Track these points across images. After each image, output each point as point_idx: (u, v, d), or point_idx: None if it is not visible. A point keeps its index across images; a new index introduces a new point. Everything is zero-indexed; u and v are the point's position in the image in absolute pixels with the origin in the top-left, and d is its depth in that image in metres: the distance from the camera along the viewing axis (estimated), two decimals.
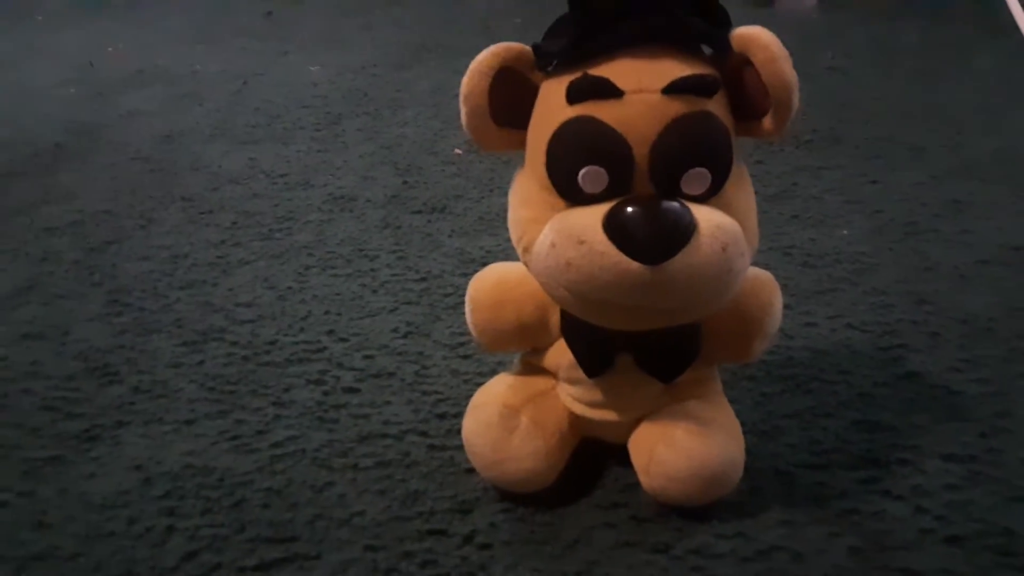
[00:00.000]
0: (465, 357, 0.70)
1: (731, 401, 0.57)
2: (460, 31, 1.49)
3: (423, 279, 0.81)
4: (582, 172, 0.47)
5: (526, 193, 0.51)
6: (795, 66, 0.48)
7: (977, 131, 1.07)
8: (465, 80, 0.49)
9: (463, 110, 0.50)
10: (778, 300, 0.54)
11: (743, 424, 0.55)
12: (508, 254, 0.54)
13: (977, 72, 1.25)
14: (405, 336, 0.73)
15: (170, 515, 0.56)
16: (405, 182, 1.01)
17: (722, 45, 0.48)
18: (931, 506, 0.54)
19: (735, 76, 0.49)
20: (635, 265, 0.46)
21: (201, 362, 0.71)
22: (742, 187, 0.51)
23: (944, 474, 0.57)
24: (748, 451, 0.54)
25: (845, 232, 0.86)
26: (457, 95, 0.50)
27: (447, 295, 0.78)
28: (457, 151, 1.05)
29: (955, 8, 1.52)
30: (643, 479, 0.54)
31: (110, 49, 1.15)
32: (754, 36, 0.48)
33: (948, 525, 0.53)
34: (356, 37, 1.56)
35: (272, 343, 0.73)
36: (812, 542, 0.52)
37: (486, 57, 0.49)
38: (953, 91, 1.20)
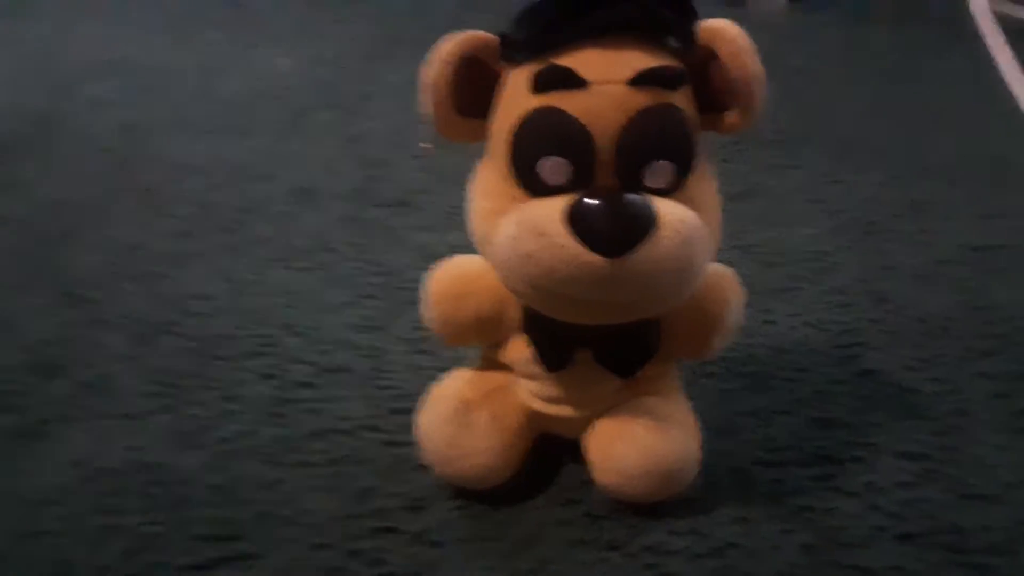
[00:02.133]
0: (424, 352, 0.69)
1: (689, 398, 0.56)
2: (432, 24, 1.46)
3: (384, 273, 0.80)
4: (544, 163, 0.47)
5: (487, 184, 0.50)
6: (763, 66, 0.47)
7: (940, 133, 1.09)
8: (428, 68, 0.48)
9: (426, 98, 0.49)
10: (738, 297, 0.54)
11: (700, 421, 0.55)
12: (472, 249, 0.53)
13: (942, 75, 1.26)
14: (363, 331, 0.72)
15: (109, 512, 0.54)
16: (370, 176, 0.99)
17: (688, 38, 0.47)
18: (884, 503, 0.54)
19: (701, 69, 0.48)
20: (596, 258, 0.45)
21: (150, 356, 0.69)
22: (706, 182, 0.50)
23: (898, 472, 0.57)
24: (704, 448, 0.54)
25: (807, 231, 0.86)
26: None
27: (408, 290, 0.76)
28: (424, 145, 1.04)
29: (923, 13, 1.54)
30: (597, 475, 0.54)
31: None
32: (720, 29, 0.47)
33: (901, 522, 0.53)
34: (327, 30, 1.54)
35: (225, 337, 0.71)
36: (766, 539, 0.52)
37: (450, 46, 0.48)
38: (918, 94, 1.21)
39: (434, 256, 0.57)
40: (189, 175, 1.00)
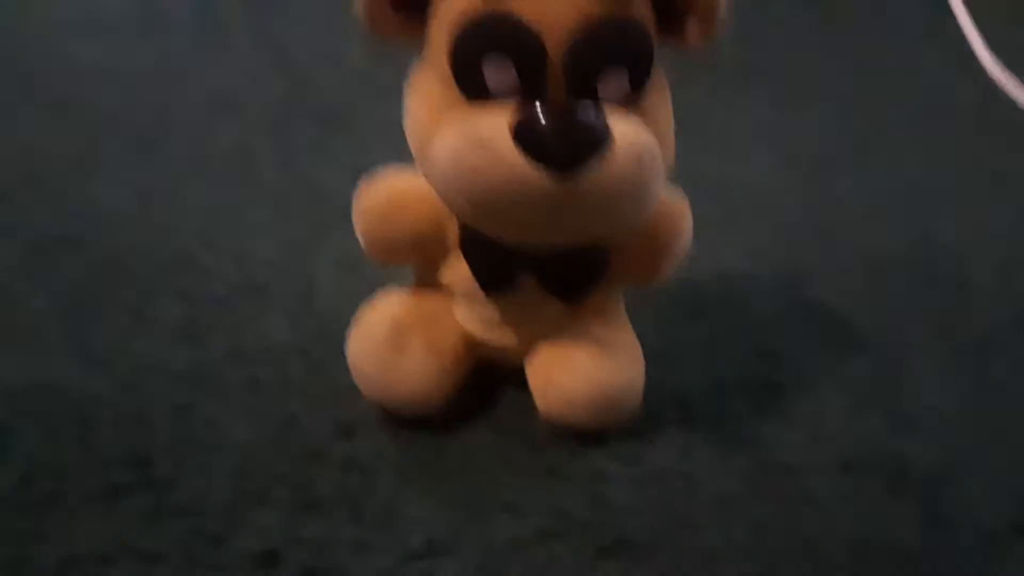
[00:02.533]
0: (353, 272, 0.64)
1: (632, 325, 0.54)
2: None
3: (311, 190, 0.75)
4: (488, 65, 0.42)
5: (425, 90, 0.46)
6: None
7: (888, 73, 1.09)
8: None
9: None
10: (688, 224, 0.52)
11: (643, 349, 0.53)
12: (405, 167, 0.49)
13: (893, 17, 1.26)
14: (287, 249, 0.67)
15: (4, 434, 0.49)
16: (296, 86, 0.93)
17: None
18: (826, 433, 0.54)
19: None
20: (543, 174, 0.41)
21: (51, 270, 0.62)
22: (662, 99, 0.47)
23: (839, 400, 0.57)
24: (647, 376, 0.52)
25: (755, 165, 0.85)
26: None
27: (337, 208, 0.71)
28: (359, 55, 0.98)
29: None
30: (540, 403, 0.51)
31: None
32: None
33: (840, 451, 0.53)
34: None
35: (134, 251, 0.65)
36: (706, 466, 0.51)
37: None
38: (868, 34, 1.21)
39: (366, 173, 0.53)
40: (95, 79, 0.91)
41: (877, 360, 0.61)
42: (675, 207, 0.51)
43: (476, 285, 0.50)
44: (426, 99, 0.46)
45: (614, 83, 0.43)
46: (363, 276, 0.64)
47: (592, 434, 0.51)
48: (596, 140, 0.42)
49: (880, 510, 0.49)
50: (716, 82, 1.00)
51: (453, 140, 0.43)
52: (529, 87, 0.43)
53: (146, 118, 0.84)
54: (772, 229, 0.75)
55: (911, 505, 0.50)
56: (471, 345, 0.53)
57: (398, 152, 0.49)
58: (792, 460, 0.52)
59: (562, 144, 0.41)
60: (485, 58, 0.42)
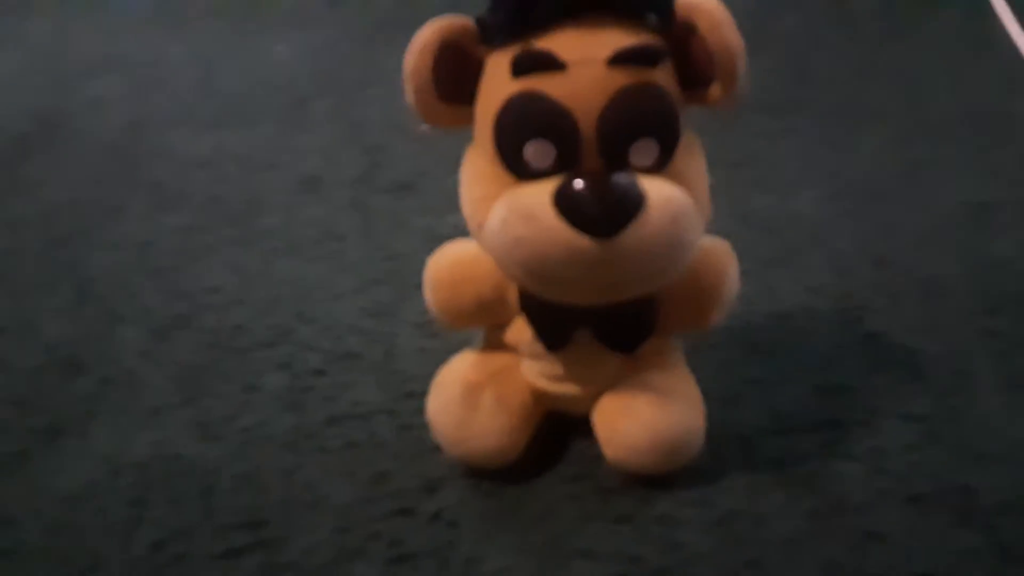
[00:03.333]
0: (433, 336, 0.70)
1: (692, 369, 0.57)
2: (427, 7, 1.46)
3: (391, 258, 0.81)
4: (528, 147, 0.47)
5: (477, 170, 0.51)
6: (753, 30, 0.48)
7: (936, 92, 1.07)
8: (408, 57, 0.49)
9: (408, 87, 0.50)
10: (734, 268, 0.55)
11: (704, 391, 0.56)
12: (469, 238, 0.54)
13: (937, 33, 1.24)
14: (373, 316, 0.73)
15: (137, 505, 0.56)
16: (372, 161, 1.00)
17: (667, 13, 0.48)
18: (890, 467, 0.55)
19: (680, 44, 0.48)
20: (585, 240, 0.46)
21: (168, 350, 0.70)
22: (692, 157, 0.51)
23: (903, 434, 0.58)
24: (709, 418, 0.55)
25: (805, 197, 0.86)
26: None
27: (415, 274, 0.77)
28: (424, 128, 1.05)
29: None
30: (606, 450, 0.55)
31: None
32: (698, 3, 0.47)
33: (907, 485, 0.54)
34: (322, 15, 1.53)
35: (239, 328, 0.72)
36: (773, 506, 0.53)
37: (428, 33, 0.49)
38: (913, 52, 1.20)
39: (439, 239, 0.58)
40: (194, 169, 1.01)
41: (940, 390, 0.61)
42: (718, 252, 0.55)
43: (538, 343, 0.55)
44: (477, 178, 0.52)
45: (645, 151, 0.48)
46: (441, 338, 0.69)
47: (659, 479, 0.54)
48: (631, 204, 0.46)
49: (948, 543, 0.50)
50: (759, 116, 1.02)
51: (503, 214, 0.48)
52: (566, 160, 0.48)
53: (241, 202, 0.93)
54: (827, 262, 0.76)
55: (979, 537, 0.50)
56: (539, 399, 0.57)
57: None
58: (858, 497, 0.54)
59: (600, 211, 0.46)
60: (525, 142, 0.48)
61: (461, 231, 0.57)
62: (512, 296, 0.55)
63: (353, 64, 1.29)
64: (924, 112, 1.03)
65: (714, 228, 0.53)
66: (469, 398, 0.55)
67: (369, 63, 1.28)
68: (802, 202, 0.86)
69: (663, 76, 0.48)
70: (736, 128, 0.99)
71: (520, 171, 0.48)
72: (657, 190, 0.47)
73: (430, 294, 0.57)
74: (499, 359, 0.57)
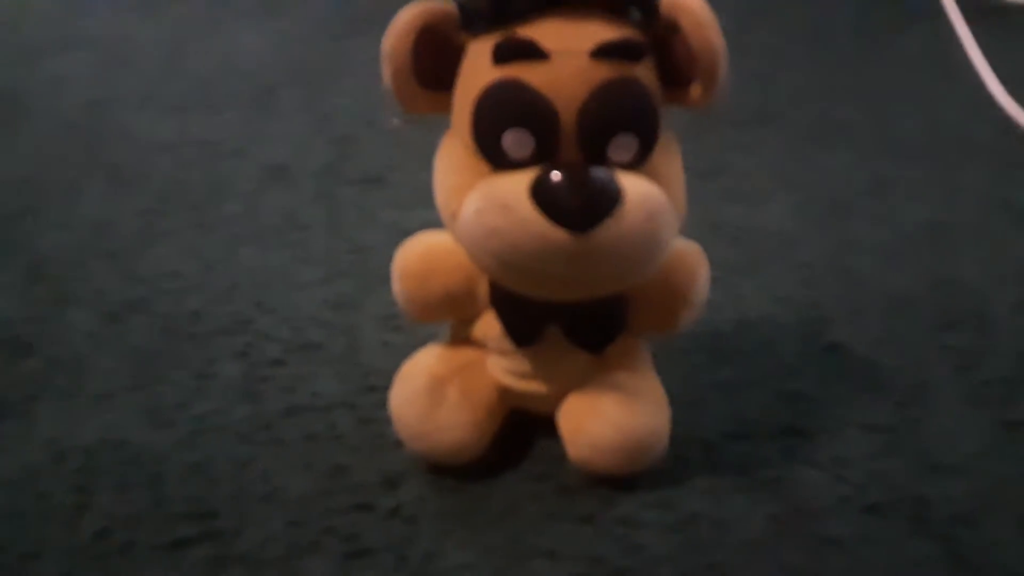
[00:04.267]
0: (396, 330, 0.69)
1: (657, 372, 0.57)
2: (401, 1, 1.46)
3: (356, 251, 0.80)
4: (507, 136, 0.47)
5: (452, 158, 0.50)
6: (728, 44, 0.48)
7: (903, 112, 1.10)
8: (387, 39, 0.48)
9: (386, 70, 0.49)
10: (704, 271, 0.55)
11: (669, 395, 0.56)
12: (441, 228, 0.53)
13: (905, 55, 1.28)
14: (335, 308, 0.72)
15: (82, 492, 0.54)
16: (341, 153, 0.99)
17: (651, 10, 0.48)
18: (850, 475, 0.56)
19: (663, 42, 0.48)
20: (561, 233, 0.45)
21: (121, 334, 0.68)
22: (670, 156, 0.51)
23: (863, 444, 0.58)
24: (673, 422, 0.55)
25: (773, 209, 0.87)
26: None
27: (380, 268, 0.76)
28: (394, 122, 1.04)
29: None
30: (570, 450, 0.54)
31: None
32: (682, 1, 0.47)
33: (866, 494, 0.54)
34: (295, 4, 1.51)
35: (196, 315, 0.70)
36: (734, 510, 0.53)
37: (409, 15, 0.48)
38: (881, 73, 1.23)
39: (406, 233, 0.57)
40: (157, 152, 0.98)
41: (900, 402, 0.62)
42: (689, 256, 0.54)
43: (507, 338, 0.54)
44: (453, 167, 0.51)
45: (624, 147, 0.47)
46: (404, 331, 0.68)
47: (622, 480, 0.54)
48: (609, 199, 0.46)
49: (904, 551, 0.51)
50: (731, 129, 1.03)
51: (478, 204, 0.47)
52: (545, 151, 0.47)
53: (204, 188, 0.91)
54: (793, 273, 0.77)
55: (936, 547, 0.51)
56: (504, 395, 0.56)
57: (434, 211, 0.53)
58: (818, 503, 0.54)
59: (577, 204, 0.45)
60: (503, 131, 0.47)
61: (428, 226, 0.56)
62: (482, 290, 0.54)
63: (325, 55, 1.28)
64: (890, 131, 1.05)
65: (683, 236, 0.53)
66: (434, 392, 0.54)
67: (341, 55, 1.27)
68: (770, 214, 0.87)
69: (645, 72, 0.48)
70: (706, 139, 1.00)
71: (497, 160, 0.48)
72: (634, 186, 0.46)
73: (398, 284, 0.55)
74: (465, 354, 0.56)
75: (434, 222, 0.55)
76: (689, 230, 0.53)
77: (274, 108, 1.11)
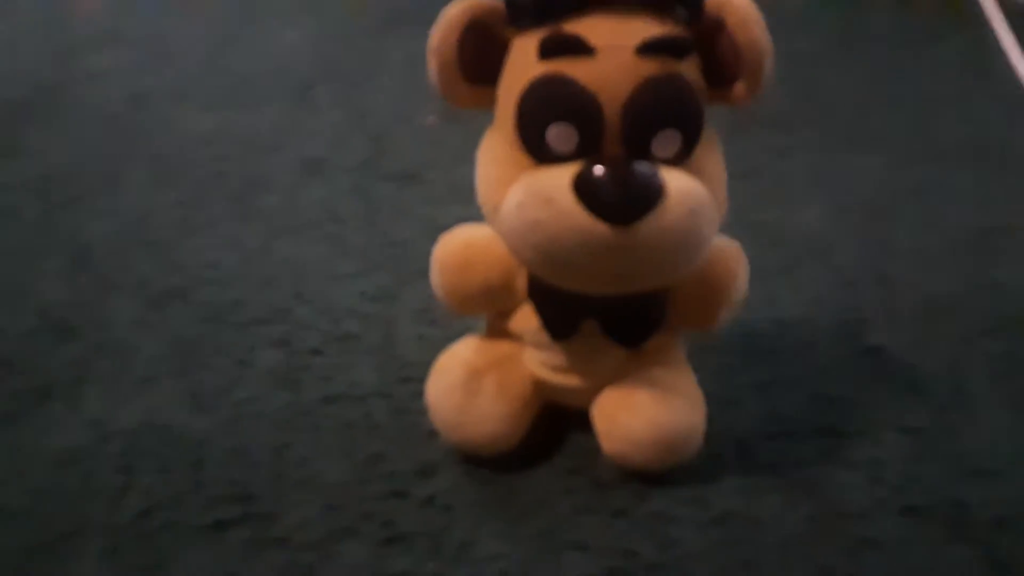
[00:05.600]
0: (432, 323, 0.69)
1: (693, 370, 0.57)
2: None
3: (392, 245, 0.80)
4: (551, 130, 0.47)
5: (495, 152, 0.51)
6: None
7: (942, 117, 1.09)
8: (434, 33, 0.49)
9: (432, 64, 0.50)
10: (744, 270, 0.55)
11: (704, 393, 0.56)
12: (480, 220, 0.54)
13: (943, 60, 1.26)
14: (372, 301, 0.73)
15: (125, 472, 0.55)
16: (377, 149, 1.00)
17: (696, 7, 0.48)
18: (887, 477, 0.55)
19: (708, 39, 0.48)
20: (603, 226, 0.46)
21: (162, 321, 0.69)
22: (712, 153, 0.51)
23: (900, 446, 0.58)
24: (708, 419, 0.55)
25: (809, 212, 0.87)
26: None
27: (416, 261, 0.77)
28: (431, 119, 1.04)
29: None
30: (604, 444, 0.55)
31: None
32: None
33: (903, 496, 0.54)
34: (332, 3, 1.53)
35: (236, 304, 0.72)
36: (769, 509, 0.53)
37: (456, 11, 0.48)
38: (920, 78, 1.21)
39: (441, 228, 0.58)
40: (197, 145, 1.00)
41: (938, 406, 0.62)
42: (729, 253, 0.54)
43: (544, 332, 0.54)
44: (496, 160, 0.51)
45: (667, 142, 0.48)
46: (440, 325, 0.69)
47: (655, 476, 0.54)
48: (651, 194, 0.46)
49: (942, 555, 0.50)
50: (769, 131, 1.02)
51: (521, 197, 0.48)
52: (588, 146, 0.47)
53: (243, 181, 0.92)
54: (830, 275, 0.77)
55: (973, 550, 0.51)
56: (540, 388, 0.56)
57: (468, 207, 0.54)
58: (854, 504, 0.53)
59: (619, 198, 0.46)
60: (548, 125, 0.47)
61: (463, 221, 0.57)
62: (520, 283, 0.54)
63: (362, 53, 1.29)
64: (928, 137, 1.04)
65: (721, 234, 0.53)
66: (470, 383, 0.55)
67: (378, 53, 1.28)
68: (807, 217, 0.86)
69: (690, 69, 0.48)
70: (744, 141, 1.00)
71: (540, 154, 0.48)
72: (677, 182, 0.47)
73: (437, 276, 0.56)
74: (502, 346, 0.57)
75: (468, 218, 0.56)
76: (726, 231, 0.53)
77: (312, 104, 1.12)
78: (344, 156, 0.98)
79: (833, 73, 1.23)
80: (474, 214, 0.54)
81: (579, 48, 0.46)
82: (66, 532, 0.51)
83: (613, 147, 0.47)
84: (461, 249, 0.56)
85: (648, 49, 0.46)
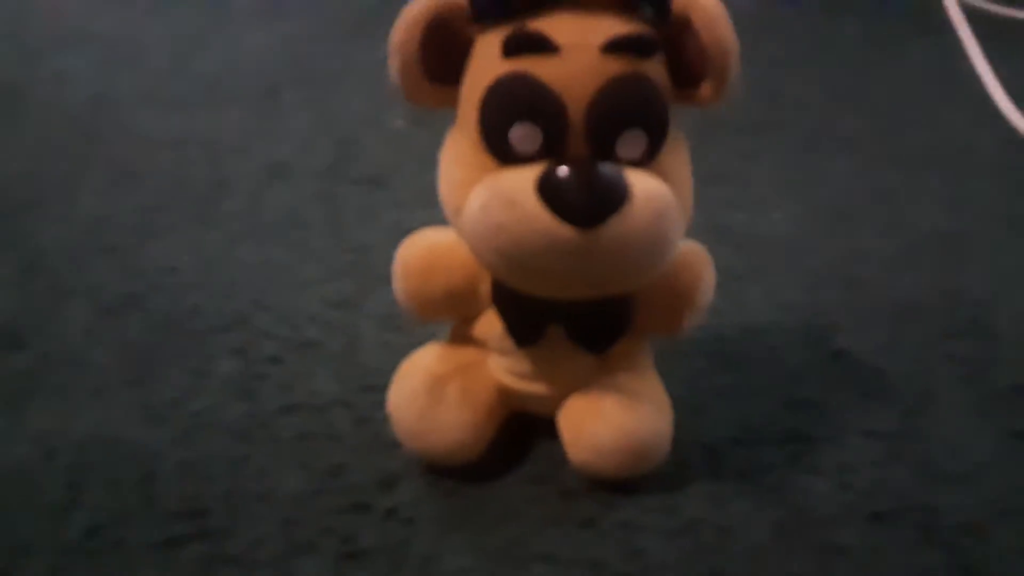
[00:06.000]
0: (396, 330, 0.68)
1: (660, 376, 0.56)
2: (405, 3, 1.46)
3: (356, 250, 0.79)
4: (514, 130, 0.46)
5: (457, 153, 0.50)
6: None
7: (908, 123, 1.10)
8: (396, 30, 0.48)
9: (394, 62, 0.48)
10: (710, 274, 0.54)
11: (671, 399, 0.55)
12: (445, 224, 0.52)
13: (911, 67, 1.28)
14: (335, 307, 0.71)
15: (73, 488, 0.53)
16: (343, 153, 0.98)
17: (663, 6, 0.47)
18: (855, 482, 0.55)
19: (675, 40, 0.48)
20: (567, 229, 0.44)
21: (117, 329, 0.67)
22: (678, 155, 0.50)
23: (868, 451, 0.58)
24: (676, 426, 0.54)
25: (777, 216, 0.87)
26: None
27: (381, 266, 0.75)
28: (398, 123, 1.03)
29: (893, 5, 1.56)
30: (571, 452, 0.53)
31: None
32: None
33: (871, 501, 0.54)
34: (299, 6, 1.51)
35: (194, 311, 0.70)
36: (738, 516, 0.52)
37: (418, 8, 0.47)
38: (888, 83, 1.23)
39: (407, 233, 0.57)
40: (159, 148, 0.98)
41: (906, 410, 0.61)
42: (696, 258, 0.54)
43: (508, 338, 0.53)
44: (458, 161, 0.50)
45: (632, 144, 0.47)
46: (404, 332, 0.67)
47: (623, 484, 0.53)
48: (616, 196, 0.45)
49: (911, 561, 0.50)
50: (735, 135, 1.03)
51: (483, 199, 0.47)
52: (552, 147, 0.46)
53: (205, 185, 0.90)
54: (798, 280, 0.76)
55: (942, 556, 0.50)
56: (505, 396, 0.55)
57: (435, 211, 0.52)
58: (823, 511, 0.53)
59: (584, 200, 0.44)
60: (511, 125, 0.46)
61: (429, 226, 0.55)
62: (484, 288, 0.53)
63: (328, 56, 1.27)
64: (895, 142, 1.05)
65: (687, 239, 0.52)
66: (433, 391, 0.53)
67: (344, 56, 1.26)
68: (774, 221, 0.86)
69: (656, 69, 0.47)
70: (712, 146, 1.00)
71: (503, 155, 0.47)
72: (642, 184, 0.46)
73: (399, 281, 0.55)
74: (466, 353, 0.55)
75: (435, 223, 0.55)
76: (693, 235, 0.52)
77: (277, 107, 1.10)
78: (310, 160, 0.96)
79: (800, 77, 1.24)
80: (441, 219, 0.52)
81: (543, 46, 0.45)
82: (12, 551, 0.49)
83: (578, 148, 0.46)
84: (424, 253, 0.55)
85: (613, 47, 0.45)
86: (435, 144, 0.52)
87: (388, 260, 0.55)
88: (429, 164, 0.52)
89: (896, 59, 1.32)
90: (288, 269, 0.76)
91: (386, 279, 0.73)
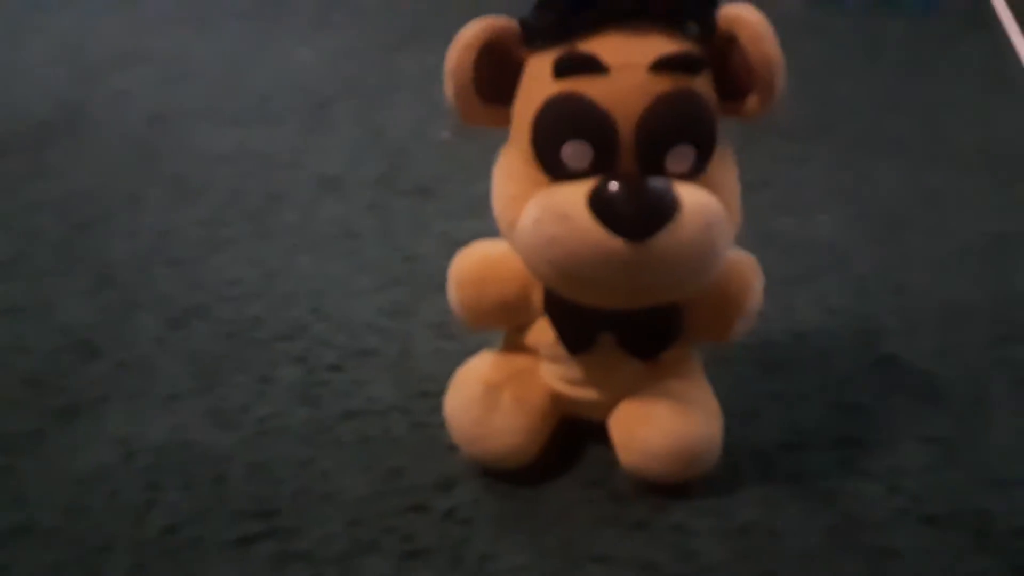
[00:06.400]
0: (449, 337, 0.70)
1: (710, 382, 0.57)
2: (451, 15, 1.48)
3: (408, 260, 0.81)
4: (566, 147, 0.48)
5: (511, 169, 0.52)
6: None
7: (958, 123, 1.09)
8: (451, 54, 0.50)
9: (448, 85, 0.50)
10: (759, 282, 0.55)
11: (721, 405, 0.56)
12: (493, 238, 0.54)
13: (960, 66, 1.26)
14: (389, 315, 0.73)
15: (151, 489, 0.56)
16: (393, 165, 1.01)
17: (709, 23, 0.48)
18: (907, 486, 0.55)
19: (721, 54, 0.49)
20: (618, 242, 0.46)
21: (184, 339, 0.70)
22: (726, 167, 0.51)
23: (920, 455, 0.58)
24: (726, 431, 0.55)
25: (825, 220, 0.87)
26: None
27: (432, 276, 0.78)
28: (446, 135, 1.05)
29: (941, 4, 1.53)
30: (622, 456, 0.55)
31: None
32: (740, 14, 0.48)
33: (923, 505, 0.54)
34: (347, 21, 1.55)
35: (256, 321, 0.73)
36: (789, 520, 0.53)
37: (472, 32, 0.49)
38: (936, 84, 1.21)
39: (456, 243, 0.59)
40: (216, 163, 1.01)
41: (957, 414, 0.61)
42: (745, 266, 0.55)
43: (560, 346, 0.55)
44: (512, 177, 0.52)
45: (681, 158, 0.48)
46: (456, 339, 0.69)
47: (673, 488, 0.54)
48: (666, 209, 0.46)
49: (963, 565, 0.50)
50: (783, 141, 1.03)
51: (537, 213, 0.49)
52: (603, 163, 0.48)
53: (262, 198, 0.93)
54: (846, 284, 0.77)
55: (994, 560, 0.50)
56: (557, 402, 0.57)
57: (484, 222, 0.54)
58: (874, 515, 0.53)
59: (634, 214, 0.46)
60: (563, 142, 0.48)
61: (478, 236, 0.57)
62: (536, 298, 0.55)
63: (376, 70, 1.31)
64: (943, 144, 1.04)
65: (736, 247, 0.53)
66: (488, 397, 0.55)
67: (392, 70, 1.29)
68: (822, 225, 0.86)
69: (703, 84, 0.48)
70: (759, 151, 1.00)
71: (555, 171, 0.49)
72: (691, 197, 0.47)
73: (454, 291, 0.57)
74: (518, 360, 0.57)
75: (483, 232, 0.57)
76: (741, 241, 0.53)
77: (328, 121, 1.14)
78: (361, 172, 0.99)
79: (847, 80, 1.23)
80: (490, 229, 0.54)
81: (593, 67, 0.47)
82: (93, 549, 0.52)
83: (628, 163, 0.48)
84: (477, 264, 0.57)
85: (661, 66, 0.47)
86: (482, 155, 0.54)
87: (439, 269, 0.57)
88: (476, 174, 0.54)
89: (944, 59, 1.31)
90: (343, 279, 0.79)
91: (437, 288, 0.75)
